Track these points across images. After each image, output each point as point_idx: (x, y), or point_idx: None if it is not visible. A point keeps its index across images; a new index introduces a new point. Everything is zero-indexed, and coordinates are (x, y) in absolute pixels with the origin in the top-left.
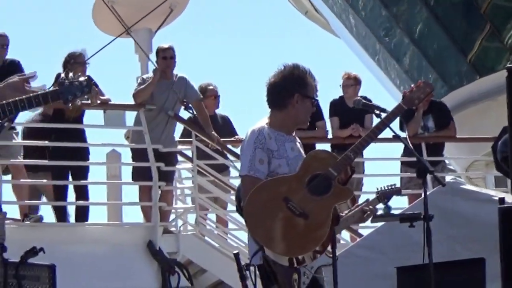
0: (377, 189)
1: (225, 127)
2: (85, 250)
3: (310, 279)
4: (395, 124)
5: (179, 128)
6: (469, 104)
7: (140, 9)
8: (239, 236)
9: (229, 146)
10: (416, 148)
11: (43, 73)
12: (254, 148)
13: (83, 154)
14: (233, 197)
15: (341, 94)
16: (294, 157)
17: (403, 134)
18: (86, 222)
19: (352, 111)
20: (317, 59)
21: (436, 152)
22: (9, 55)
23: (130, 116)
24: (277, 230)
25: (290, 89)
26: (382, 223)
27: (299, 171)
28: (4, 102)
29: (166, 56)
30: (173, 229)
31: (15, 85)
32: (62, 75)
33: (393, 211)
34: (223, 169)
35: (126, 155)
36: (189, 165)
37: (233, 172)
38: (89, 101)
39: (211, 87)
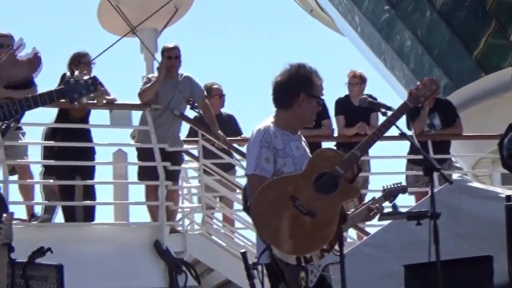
0: (383, 187)
1: (231, 126)
2: (92, 250)
3: (318, 277)
4: (401, 122)
5: (185, 127)
6: (475, 101)
7: (145, 9)
8: (246, 235)
9: (235, 145)
10: (422, 146)
11: (49, 73)
12: (260, 147)
13: (89, 154)
14: (240, 196)
15: (347, 92)
16: (299, 156)
17: (409, 132)
18: (93, 222)
19: (358, 109)
20: (322, 58)
21: (443, 150)
22: None
23: (136, 116)
24: (284, 228)
25: (296, 88)
26: (389, 221)
27: (305, 169)
28: (10, 102)
29: (171, 56)
30: (179, 228)
31: (8, 62)
32: (68, 74)
33: (399, 210)
34: (229, 168)
35: (132, 155)
36: (195, 164)
37: (239, 171)
38: (95, 101)
39: (216, 86)
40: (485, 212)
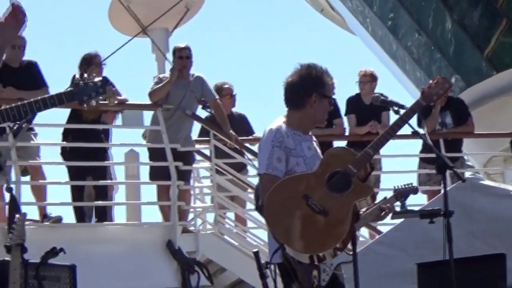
0: (394, 187)
1: (242, 125)
2: (105, 250)
3: (330, 276)
4: (413, 120)
5: (197, 127)
6: (486, 100)
7: (156, 9)
8: (259, 234)
9: (247, 145)
10: (434, 144)
11: (60, 73)
12: (272, 146)
13: (101, 154)
14: (252, 196)
15: (358, 91)
16: (311, 156)
17: (421, 131)
18: (105, 222)
19: (369, 108)
20: (333, 57)
21: (455, 149)
22: (26, 56)
23: (148, 116)
24: (297, 227)
25: (308, 89)
26: (402, 219)
27: (318, 168)
28: (19, 103)
29: (183, 56)
30: (192, 228)
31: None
32: (77, 76)
33: (412, 208)
34: (241, 167)
35: (144, 155)
36: (207, 164)
37: (251, 171)
38: (107, 101)
39: (226, 86)
40: (497, 210)
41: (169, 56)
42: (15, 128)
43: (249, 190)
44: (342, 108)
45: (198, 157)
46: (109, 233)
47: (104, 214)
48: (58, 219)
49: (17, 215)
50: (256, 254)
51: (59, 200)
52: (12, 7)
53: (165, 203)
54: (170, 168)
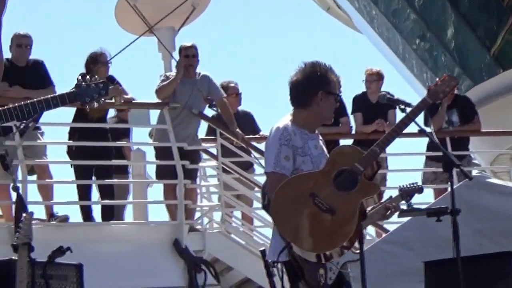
0: (399, 187)
1: (248, 123)
2: (111, 249)
3: (337, 274)
4: (420, 118)
5: (204, 126)
6: (493, 98)
7: (163, 8)
8: (265, 233)
9: (254, 143)
10: (441, 142)
11: (67, 72)
12: (279, 144)
13: (107, 153)
14: (258, 194)
15: (364, 89)
16: (317, 155)
17: (428, 129)
18: (112, 221)
19: (375, 106)
20: (339, 55)
21: (461, 147)
22: (33, 55)
23: (154, 114)
24: (304, 226)
25: (313, 87)
26: (408, 218)
27: (325, 166)
28: (22, 103)
29: (189, 54)
30: (198, 227)
31: None
32: (79, 77)
33: (419, 206)
34: (248, 166)
35: (150, 153)
36: (214, 162)
37: (258, 169)
38: (113, 100)
39: (232, 85)
40: (504, 208)
41: (176, 55)
42: (21, 127)
43: (256, 188)
44: (349, 107)
45: (204, 155)
46: (116, 232)
47: (110, 214)
48: (65, 218)
49: (24, 214)
50: (263, 252)
51: (66, 199)
52: None
53: (172, 202)
54: (176, 167)
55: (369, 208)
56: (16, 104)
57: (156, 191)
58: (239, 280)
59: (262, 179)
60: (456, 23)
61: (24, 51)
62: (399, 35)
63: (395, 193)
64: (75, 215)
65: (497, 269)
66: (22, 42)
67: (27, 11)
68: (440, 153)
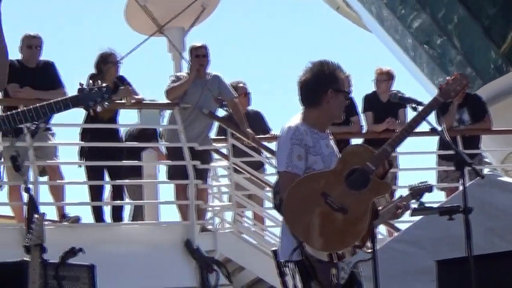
0: (409, 186)
1: (258, 123)
2: (123, 250)
3: (349, 274)
4: (431, 117)
5: (215, 126)
6: (503, 96)
7: (172, 8)
8: (277, 232)
9: (264, 143)
10: (452, 141)
11: (77, 73)
12: (291, 144)
13: (119, 153)
14: (269, 194)
15: (374, 88)
16: (328, 154)
17: (439, 128)
18: (123, 222)
19: (386, 105)
20: (349, 54)
21: (472, 145)
22: (43, 56)
23: (165, 115)
24: (315, 225)
25: (322, 85)
26: (420, 217)
27: (336, 166)
28: (25, 108)
29: (199, 54)
30: (210, 227)
31: None
32: (81, 82)
33: (431, 205)
34: (259, 166)
35: None
36: (225, 162)
37: (269, 169)
38: (124, 101)
39: (241, 85)
40: None
41: (186, 55)
42: (32, 128)
43: (267, 188)
44: (359, 106)
45: (215, 155)
46: (128, 233)
47: (120, 215)
48: (76, 219)
49: (35, 215)
50: (275, 252)
51: (77, 200)
52: None
53: (183, 202)
54: (187, 167)
55: (380, 207)
56: (19, 110)
57: (168, 191)
58: (251, 280)
59: (273, 179)
60: (466, 21)
61: (34, 52)
62: (410, 35)
63: (405, 192)
64: (86, 216)
65: (509, 268)
66: (32, 43)
67: (36, 11)
68: (451, 152)
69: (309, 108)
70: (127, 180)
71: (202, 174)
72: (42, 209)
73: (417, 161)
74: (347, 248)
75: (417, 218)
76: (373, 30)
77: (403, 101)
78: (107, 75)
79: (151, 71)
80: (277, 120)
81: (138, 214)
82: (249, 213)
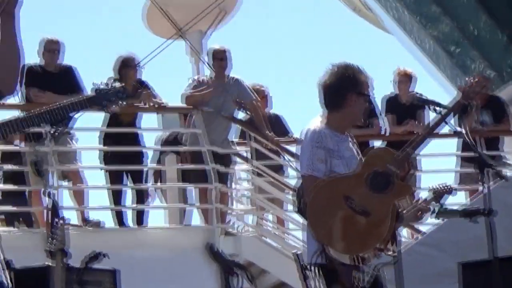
0: (430, 188)
1: (278, 126)
2: (145, 254)
3: (372, 277)
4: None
5: (236, 129)
6: None
7: (192, 12)
8: (299, 236)
9: (284, 146)
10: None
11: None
12: (313, 147)
13: (139, 157)
14: (290, 197)
15: (393, 90)
16: (349, 157)
17: (460, 129)
18: (146, 226)
19: (406, 107)
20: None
21: (493, 147)
22: (64, 60)
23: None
24: (338, 228)
25: (345, 89)
26: (443, 220)
27: (358, 168)
28: (42, 110)
29: (220, 58)
30: (230, 230)
31: None
32: (95, 81)
33: (452, 207)
34: (278, 169)
35: None
36: (246, 166)
37: (290, 172)
38: (146, 105)
39: (261, 88)
40: None
41: (205, 58)
42: (53, 132)
43: (287, 191)
44: (378, 107)
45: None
46: (150, 237)
47: (142, 218)
48: (98, 223)
49: (57, 220)
50: (297, 255)
51: (99, 204)
52: None
53: (205, 206)
54: (210, 171)
55: (402, 210)
56: (32, 112)
57: (189, 195)
58: (274, 284)
59: (293, 182)
60: (486, 21)
61: (53, 56)
62: (430, 36)
63: (426, 194)
64: (108, 221)
65: None
66: (51, 48)
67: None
68: (473, 154)
69: (331, 111)
70: (149, 184)
71: (223, 178)
72: (64, 214)
73: (436, 163)
74: (369, 250)
75: (438, 220)
76: (394, 33)
77: (424, 103)
78: (127, 79)
79: (170, 74)
80: (298, 123)
81: None
82: (270, 216)
